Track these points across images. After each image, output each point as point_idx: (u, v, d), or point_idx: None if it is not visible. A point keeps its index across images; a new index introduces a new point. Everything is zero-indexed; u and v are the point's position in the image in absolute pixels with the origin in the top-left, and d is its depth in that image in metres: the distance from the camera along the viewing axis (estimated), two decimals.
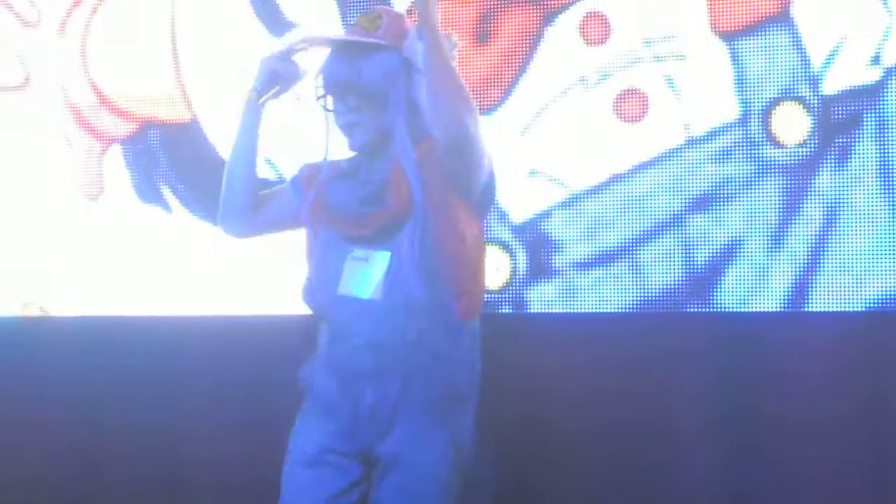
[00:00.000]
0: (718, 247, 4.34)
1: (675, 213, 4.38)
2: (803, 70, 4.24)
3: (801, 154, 4.25)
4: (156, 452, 5.05)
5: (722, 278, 4.33)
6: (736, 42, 4.32)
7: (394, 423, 3.02)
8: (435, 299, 3.01)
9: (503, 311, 4.56)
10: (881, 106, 4.16)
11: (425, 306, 3.00)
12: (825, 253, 4.21)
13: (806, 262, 4.24)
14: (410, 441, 3.01)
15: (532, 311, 4.56)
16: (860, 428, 4.20)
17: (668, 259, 4.39)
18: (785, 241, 4.26)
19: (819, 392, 4.20)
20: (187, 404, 5.01)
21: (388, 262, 3.02)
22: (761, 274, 4.28)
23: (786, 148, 4.27)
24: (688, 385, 4.35)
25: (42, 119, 5.29)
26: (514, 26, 4.57)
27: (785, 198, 4.26)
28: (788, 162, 4.26)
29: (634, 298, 4.44)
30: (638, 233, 4.43)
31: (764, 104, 4.29)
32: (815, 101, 4.23)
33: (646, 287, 4.42)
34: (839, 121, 4.20)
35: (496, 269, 4.53)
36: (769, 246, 4.28)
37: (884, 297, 4.15)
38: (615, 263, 4.45)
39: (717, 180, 4.34)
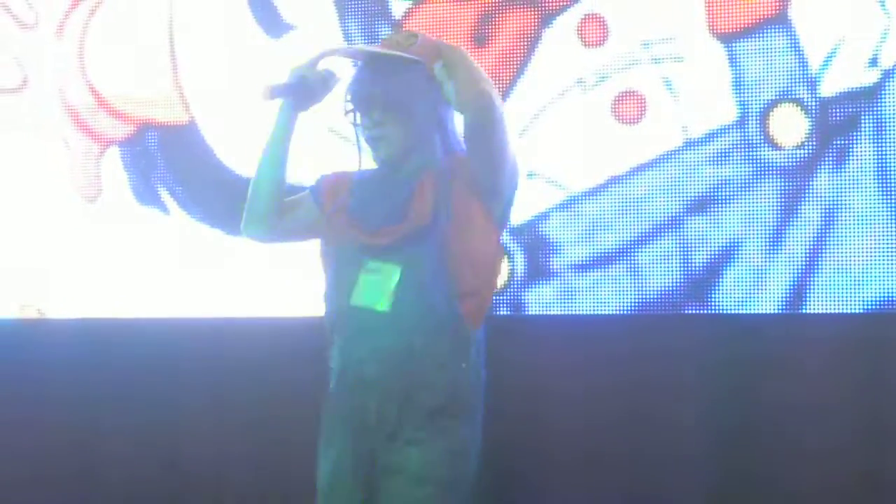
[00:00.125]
0: (716, 248, 4.34)
1: (673, 214, 4.38)
2: (801, 72, 4.24)
3: (798, 156, 4.26)
4: (154, 454, 5.05)
5: (720, 280, 4.34)
6: (734, 44, 4.32)
7: (396, 431, 3.04)
8: (445, 313, 3.03)
9: (501, 312, 4.57)
10: (879, 108, 4.16)
11: (434, 319, 3.03)
12: (823, 254, 4.21)
13: (804, 263, 4.24)
14: (410, 448, 3.02)
15: (530, 312, 4.57)
16: (858, 428, 4.21)
17: (667, 260, 4.39)
18: (783, 243, 4.27)
19: (817, 393, 4.21)
20: (185, 406, 5.01)
21: (402, 275, 3.03)
22: (759, 275, 4.29)
23: (784, 150, 4.28)
24: (686, 387, 4.35)
25: (40, 121, 5.29)
26: (512, 28, 4.57)
27: (783, 199, 4.26)
28: (786, 164, 4.27)
29: (632, 300, 4.44)
30: (636, 234, 4.43)
31: (762, 106, 4.29)
32: (813, 103, 4.23)
33: (644, 289, 4.42)
34: (837, 123, 4.21)
35: None
36: (767, 247, 4.28)
37: (881, 298, 4.15)
38: (613, 265, 4.46)
39: (715, 182, 4.34)
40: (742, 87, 4.31)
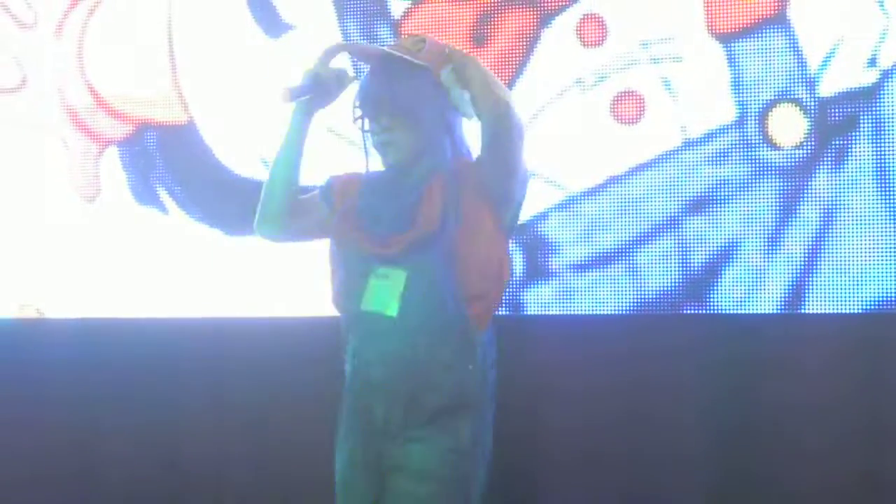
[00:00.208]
0: (715, 248, 4.34)
1: (672, 214, 4.38)
2: (800, 72, 4.24)
3: (797, 156, 4.26)
4: (154, 454, 5.05)
5: (719, 280, 4.34)
6: (732, 44, 4.32)
7: (402, 432, 3.05)
8: (452, 315, 3.04)
9: (500, 312, 4.55)
10: (878, 108, 4.17)
11: (441, 322, 3.04)
12: (822, 254, 4.22)
13: (803, 263, 4.24)
14: (412, 445, 3.04)
15: (529, 312, 4.57)
16: (857, 428, 4.21)
17: (665, 261, 4.39)
18: (781, 243, 4.27)
19: (816, 393, 4.21)
20: (185, 406, 5.01)
21: (411, 280, 3.05)
22: (758, 275, 4.29)
23: (782, 150, 4.28)
24: (685, 387, 4.36)
25: (38, 121, 5.29)
26: (510, 28, 4.57)
27: (781, 199, 4.26)
28: (785, 164, 4.27)
29: (631, 300, 4.44)
30: (634, 234, 4.43)
31: (760, 106, 4.29)
32: (812, 103, 4.24)
33: (642, 289, 4.42)
34: (836, 123, 4.21)
35: None
36: (766, 247, 4.28)
37: (881, 298, 4.15)
38: (612, 265, 4.46)
39: (714, 182, 4.34)
40: (741, 87, 4.31)
